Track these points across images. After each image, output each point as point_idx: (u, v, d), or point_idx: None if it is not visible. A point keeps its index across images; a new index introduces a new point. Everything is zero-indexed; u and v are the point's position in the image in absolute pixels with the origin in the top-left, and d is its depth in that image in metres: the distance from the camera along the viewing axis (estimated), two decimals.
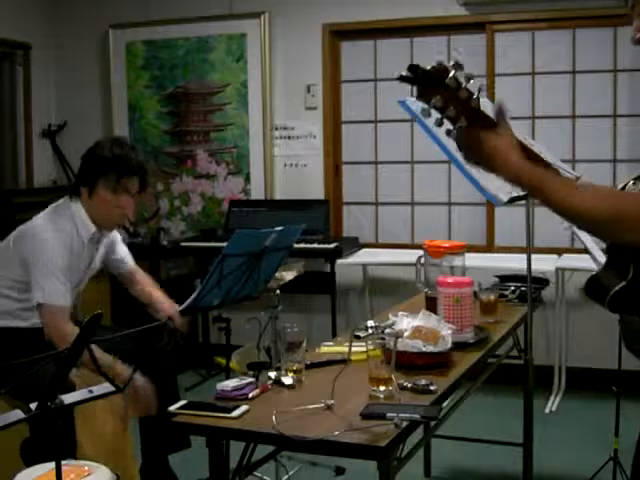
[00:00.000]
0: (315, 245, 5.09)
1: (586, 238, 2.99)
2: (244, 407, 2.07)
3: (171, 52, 5.83)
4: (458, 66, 1.44)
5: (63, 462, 1.85)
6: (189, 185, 5.90)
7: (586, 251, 2.99)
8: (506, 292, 3.36)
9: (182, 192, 5.92)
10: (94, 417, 2.94)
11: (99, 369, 1.87)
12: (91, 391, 1.91)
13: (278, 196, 5.68)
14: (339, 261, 5.10)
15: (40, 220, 2.96)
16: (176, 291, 3.52)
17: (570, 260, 4.73)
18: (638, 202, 1.47)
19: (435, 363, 2.36)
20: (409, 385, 2.18)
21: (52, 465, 1.84)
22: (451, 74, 1.43)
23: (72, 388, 2.05)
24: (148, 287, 3.31)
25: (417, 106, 1.54)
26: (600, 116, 5.02)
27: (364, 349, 2.31)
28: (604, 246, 1.79)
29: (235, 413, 2.03)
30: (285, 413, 1.99)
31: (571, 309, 5.00)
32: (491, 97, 5.13)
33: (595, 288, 1.72)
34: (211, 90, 5.78)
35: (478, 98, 1.47)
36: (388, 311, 2.84)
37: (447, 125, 1.51)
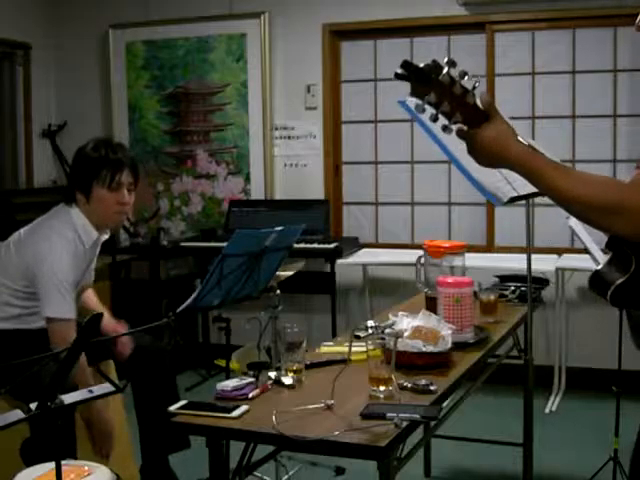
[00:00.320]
0: (315, 245, 5.09)
1: (586, 238, 2.99)
2: (244, 407, 2.06)
3: (171, 52, 5.83)
4: (452, 63, 1.45)
5: (63, 462, 1.85)
6: (189, 185, 5.90)
7: (586, 251, 2.99)
8: (506, 292, 3.36)
9: (182, 192, 5.92)
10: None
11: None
12: (91, 391, 1.91)
13: (278, 196, 5.68)
14: (339, 261, 5.10)
15: (44, 230, 2.93)
16: (176, 291, 3.52)
17: (570, 260, 4.73)
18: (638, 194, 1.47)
19: (435, 363, 2.36)
20: (409, 385, 2.18)
21: (52, 465, 1.84)
22: (444, 71, 1.44)
23: (75, 388, 2.05)
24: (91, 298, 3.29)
25: (415, 104, 1.55)
26: (600, 116, 5.02)
27: (364, 349, 2.31)
28: (604, 246, 1.80)
29: (235, 413, 2.03)
30: (285, 413, 1.99)
31: (571, 309, 5.00)
32: (491, 97, 5.13)
33: (598, 282, 1.73)
34: (211, 90, 5.78)
35: (473, 93, 1.49)
36: (388, 311, 2.84)
37: (442, 120, 1.52)
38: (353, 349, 2.30)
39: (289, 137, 5.62)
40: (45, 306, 2.84)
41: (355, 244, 5.39)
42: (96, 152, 2.96)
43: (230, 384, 2.18)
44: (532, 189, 1.59)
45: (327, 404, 2.06)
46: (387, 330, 2.41)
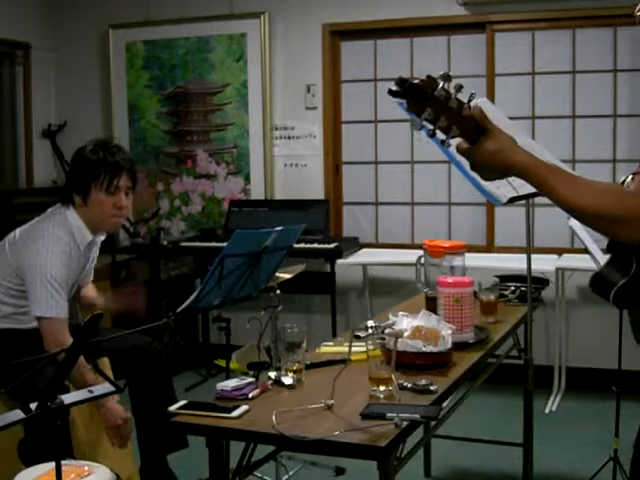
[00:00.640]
0: (315, 245, 5.09)
1: (586, 238, 2.99)
2: (244, 407, 2.06)
3: (171, 52, 5.84)
4: (447, 77, 1.45)
5: (63, 462, 1.85)
6: (189, 185, 5.90)
7: (586, 251, 3.00)
8: (506, 292, 3.36)
9: (182, 192, 5.92)
10: (94, 417, 2.94)
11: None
12: (91, 391, 1.91)
13: (278, 196, 5.68)
14: (339, 261, 5.10)
15: (37, 230, 2.93)
16: (176, 291, 3.52)
17: (570, 260, 4.73)
18: None
19: (435, 363, 2.36)
20: (409, 385, 2.18)
21: (52, 465, 1.84)
22: (440, 86, 1.43)
23: (66, 390, 2.05)
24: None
25: (412, 121, 1.54)
26: (600, 116, 5.02)
27: (364, 349, 2.31)
28: (604, 246, 1.80)
29: (235, 413, 2.03)
30: (285, 413, 1.99)
31: (571, 309, 5.00)
32: (491, 97, 5.14)
33: (600, 284, 1.74)
34: (211, 90, 5.78)
35: (469, 107, 1.48)
36: (388, 311, 2.84)
37: (440, 135, 1.51)
38: (353, 349, 2.29)
39: (289, 137, 5.62)
40: (34, 304, 2.85)
41: (355, 244, 5.39)
42: (95, 155, 2.96)
43: (230, 384, 2.18)
44: (531, 189, 1.58)
45: (327, 404, 2.06)
46: (387, 330, 2.40)
